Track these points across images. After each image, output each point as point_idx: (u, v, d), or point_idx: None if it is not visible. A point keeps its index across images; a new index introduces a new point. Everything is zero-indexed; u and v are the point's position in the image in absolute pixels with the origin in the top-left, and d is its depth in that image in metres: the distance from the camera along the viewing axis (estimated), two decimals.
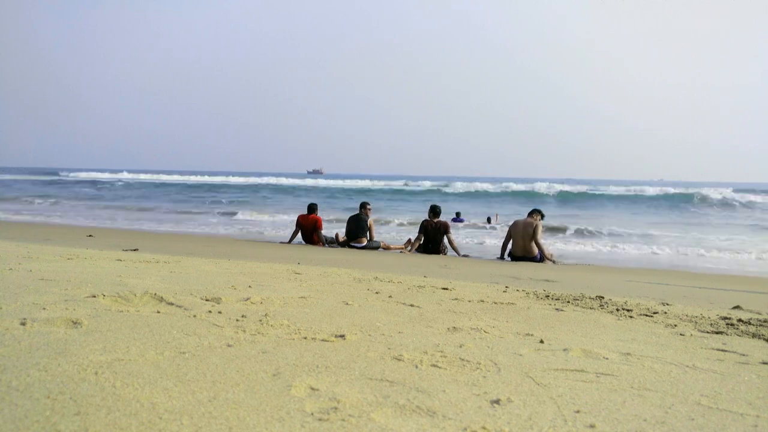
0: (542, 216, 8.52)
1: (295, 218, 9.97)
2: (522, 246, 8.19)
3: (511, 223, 8.58)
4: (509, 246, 8.46)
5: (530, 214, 8.52)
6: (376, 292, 3.47)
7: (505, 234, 8.74)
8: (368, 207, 9.51)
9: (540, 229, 8.21)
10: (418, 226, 9.23)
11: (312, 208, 9.69)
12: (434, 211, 9.06)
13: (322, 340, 2.08)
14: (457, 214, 16.51)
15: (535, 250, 8.17)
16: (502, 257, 8.50)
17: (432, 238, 8.89)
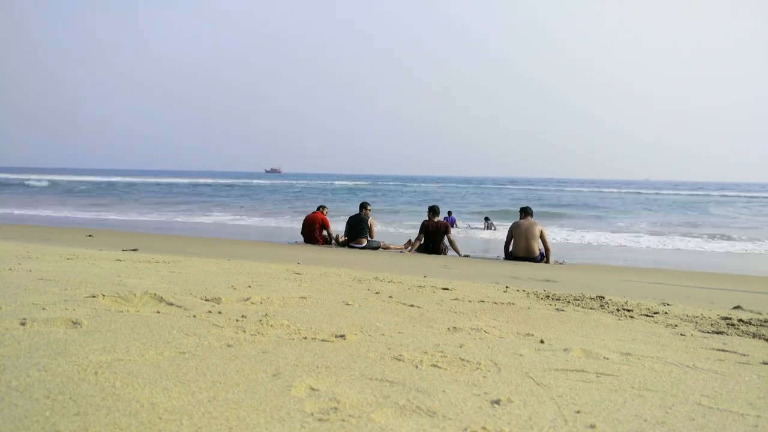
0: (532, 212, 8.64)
1: None
2: (524, 247, 8.20)
3: (511, 225, 8.57)
4: (510, 246, 8.46)
5: (525, 214, 8.52)
6: (377, 292, 3.46)
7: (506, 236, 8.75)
8: (368, 207, 9.52)
9: (546, 233, 8.30)
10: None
11: (319, 207, 9.84)
12: (434, 211, 9.07)
13: (322, 340, 2.08)
14: (449, 213, 16.46)
15: (537, 251, 8.19)
16: (507, 257, 8.47)
17: (432, 238, 8.89)
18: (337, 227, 10.97)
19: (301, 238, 9.86)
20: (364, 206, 9.54)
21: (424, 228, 8.96)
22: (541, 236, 8.24)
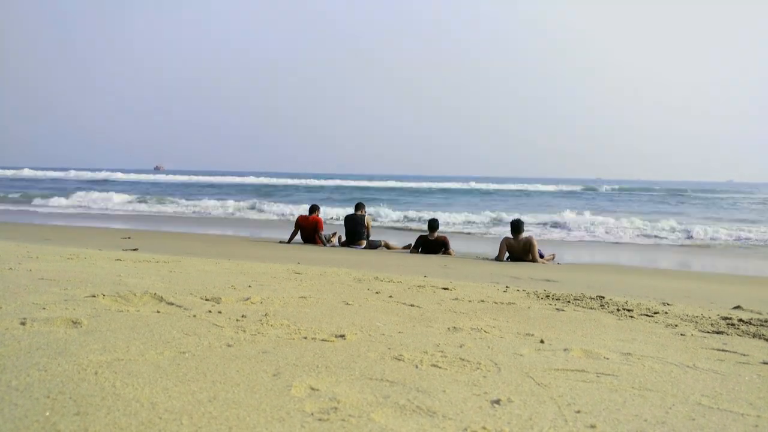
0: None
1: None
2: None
3: (504, 240, 8.10)
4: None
5: (518, 232, 8.05)
6: (377, 292, 3.46)
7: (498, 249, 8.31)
8: (363, 208, 9.49)
9: (535, 244, 8.00)
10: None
11: (313, 208, 9.67)
12: (432, 226, 8.79)
13: (322, 340, 2.08)
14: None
15: None
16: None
17: (432, 253, 8.68)
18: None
19: (285, 237, 9.76)
20: (359, 207, 9.49)
21: (421, 244, 8.78)
22: (531, 251, 7.94)
